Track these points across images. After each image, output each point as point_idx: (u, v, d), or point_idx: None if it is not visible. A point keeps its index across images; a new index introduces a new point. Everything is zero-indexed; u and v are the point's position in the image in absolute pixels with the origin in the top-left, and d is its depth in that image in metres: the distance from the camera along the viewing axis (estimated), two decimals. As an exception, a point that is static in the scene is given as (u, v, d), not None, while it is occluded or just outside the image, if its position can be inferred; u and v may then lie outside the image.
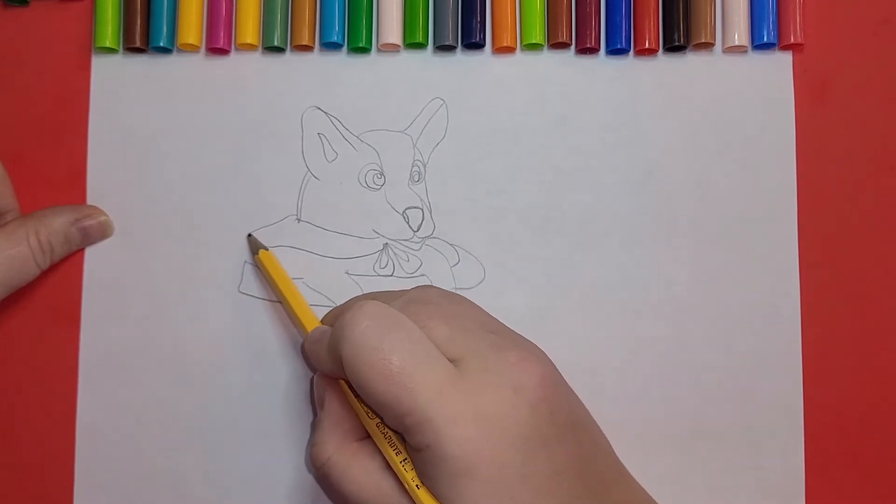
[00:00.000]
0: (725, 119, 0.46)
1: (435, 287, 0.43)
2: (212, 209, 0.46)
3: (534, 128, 0.46)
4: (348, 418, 0.39)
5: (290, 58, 0.46)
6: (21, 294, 0.45)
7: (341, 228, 0.45)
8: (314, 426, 0.39)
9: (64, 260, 0.45)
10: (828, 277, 0.45)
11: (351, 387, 0.38)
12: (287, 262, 0.45)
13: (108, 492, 0.45)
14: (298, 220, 0.46)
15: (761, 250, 0.45)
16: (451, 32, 0.46)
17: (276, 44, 0.46)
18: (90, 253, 0.46)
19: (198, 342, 0.45)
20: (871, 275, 0.45)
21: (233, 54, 0.47)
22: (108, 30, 0.46)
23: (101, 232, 0.46)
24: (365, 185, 0.46)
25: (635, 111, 0.46)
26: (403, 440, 0.36)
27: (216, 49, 0.46)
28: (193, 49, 0.46)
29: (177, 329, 0.45)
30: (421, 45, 0.46)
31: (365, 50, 0.46)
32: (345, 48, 0.46)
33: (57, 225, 0.44)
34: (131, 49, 0.46)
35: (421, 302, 0.39)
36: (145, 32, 0.46)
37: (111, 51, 0.46)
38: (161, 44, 0.46)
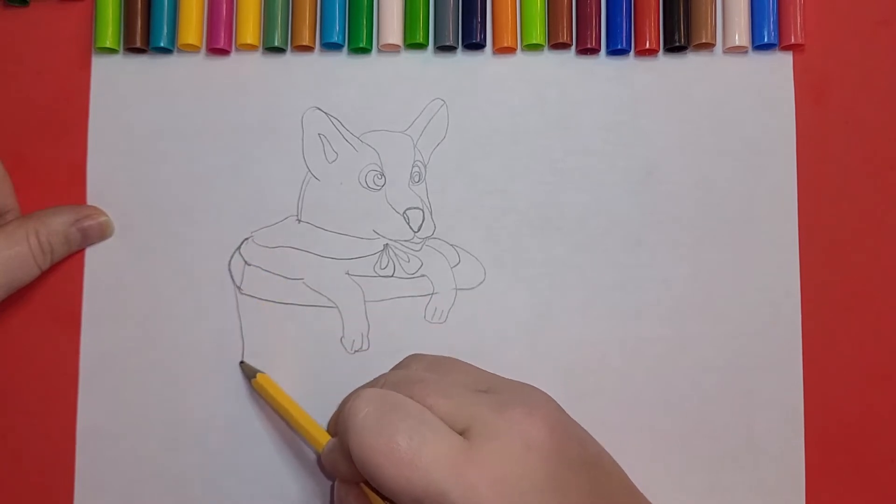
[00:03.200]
0: (726, 119, 0.46)
1: (420, 357, 0.43)
2: (212, 209, 0.46)
3: (534, 128, 0.46)
4: None
5: (290, 58, 0.46)
6: (21, 295, 0.45)
7: (342, 229, 0.45)
8: None
9: (64, 260, 0.45)
10: (828, 277, 0.45)
11: (371, 487, 0.38)
12: (287, 263, 0.45)
13: (108, 492, 0.45)
14: (299, 220, 0.46)
15: (761, 250, 0.45)
16: (452, 33, 0.46)
17: (276, 44, 0.46)
18: (90, 253, 0.46)
19: (198, 342, 0.45)
20: (871, 275, 0.45)
21: (233, 54, 0.47)
22: (109, 30, 0.46)
23: (101, 232, 0.45)
24: (365, 185, 0.46)
25: (635, 111, 0.46)
26: None
27: (216, 49, 0.46)
28: (194, 49, 0.46)
29: (177, 329, 0.45)
30: (421, 46, 0.46)
31: (365, 50, 0.46)
32: (345, 48, 0.46)
33: (57, 225, 0.44)
34: (131, 49, 0.46)
35: (414, 380, 0.39)
36: (146, 33, 0.46)
37: (111, 51, 0.46)
38: (161, 44, 0.46)
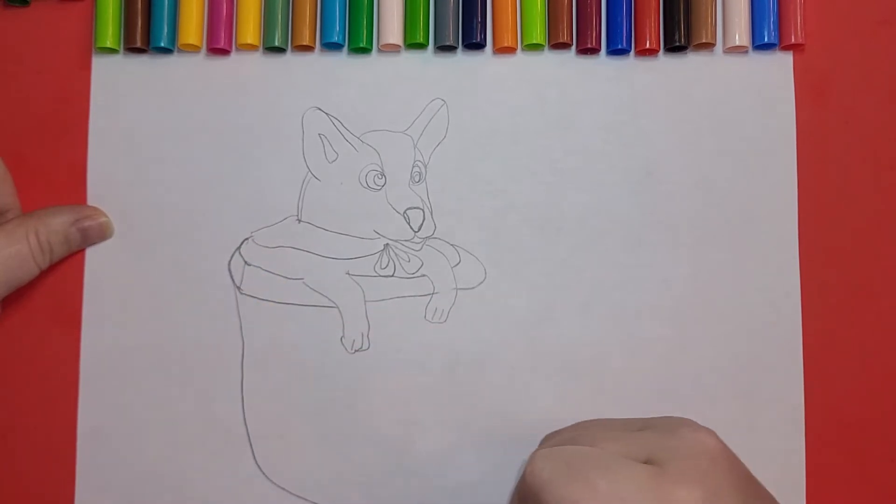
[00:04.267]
0: (726, 119, 0.46)
1: (556, 431, 0.43)
2: (212, 209, 0.46)
3: (534, 128, 0.46)
4: None
5: (290, 58, 0.46)
6: (22, 295, 0.45)
7: (342, 229, 0.45)
8: None
9: (64, 260, 0.45)
10: (828, 277, 0.45)
11: None
12: (287, 263, 0.45)
13: (109, 492, 0.45)
14: (299, 220, 0.46)
15: (762, 250, 0.45)
16: (452, 33, 0.46)
17: (276, 44, 0.46)
18: (91, 253, 0.46)
19: (198, 342, 0.45)
20: (871, 274, 0.45)
21: (233, 54, 0.47)
22: (109, 30, 0.46)
23: (101, 233, 0.45)
24: (366, 185, 0.46)
25: (636, 111, 0.46)
26: None
27: (217, 49, 0.46)
28: (194, 49, 0.46)
29: (177, 329, 0.45)
30: (421, 46, 0.46)
31: (365, 50, 0.46)
32: (345, 48, 0.46)
33: (56, 225, 0.44)
34: (132, 49, 0.46)
35: (575, 436, 0.39)
36: (146, 33, 0.46)
37: (112, 51, 0.46)
38: (162, 44, 0.46)
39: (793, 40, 0.45)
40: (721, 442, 0.37)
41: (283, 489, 0.45)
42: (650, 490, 0.34)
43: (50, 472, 0.45)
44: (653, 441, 0.37)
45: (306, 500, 0.45)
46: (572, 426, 0.42)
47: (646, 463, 0.36)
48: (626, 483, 0.35)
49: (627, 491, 0.34)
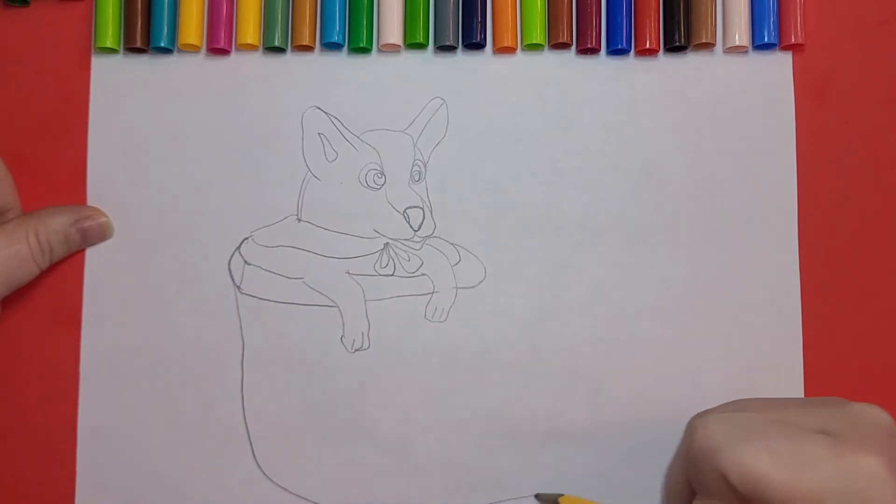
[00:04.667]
0: (726, 119, 0.46)
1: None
2: (212, 209, 0.46)
3: (534, 127, 0.46)
4: None
5: (290, 58, 0.46)
6: (22, 295, 0.45)
7: (342, 228, 0.45)
8: None
9: (64, 260, 0.45)
10: (828, 277, 0.45)
11: None
12: (287, 262, 0.45)
13: (109, 492, 0.45)
14: (299, 219, 0.46)
15: (762, 250, 0.45)
16: (452, 33, 0.46)
17: (276, 44, 0.46)
18: (91, 253, 0.46)
19: (198, 342, 0.45)
20: (871, 274, 0.45)
21: (233, 54, 0.47)
22: (109, 30, 0.46)
23: (101, 233, 0.45)
24: (365, 184, 0.46)
25: (636, 111, 0.46)
26: None
27: (217, 49, 0.46)
28: (194, 49, 0.46)
29: (177, 329, 0.45)
30: (421, 46, 0.46)
31: (365, 50, 0.46)
32: (345, 48, 0.46)
33: (56, 225, 0.44)
34: (132, 49, 0.46)
35: (739, 405, 0.39)
36: (146, 33, 0.46)
37: (112, 51, 0.46)
38: (161, 44, 0.46)
39: (793, 40, 0.45)
40: (892, 419, 0.36)
41: (283, 488, 0.45)
42: (833, 458, 0.34)
43: (50, 472, 0.45)
44: (825, 414, 0.37)
45: (306, 499, 0.45)
46: (727, 403, 0.41)
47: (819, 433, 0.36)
48: (808, 448, 0.34)
49: (809, 456, 0.34)
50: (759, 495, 0.35)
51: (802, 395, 0.45)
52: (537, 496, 0.44)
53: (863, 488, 0.33)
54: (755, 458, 0.34)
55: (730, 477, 0.35)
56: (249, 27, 0.46)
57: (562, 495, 0.44)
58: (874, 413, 0.36)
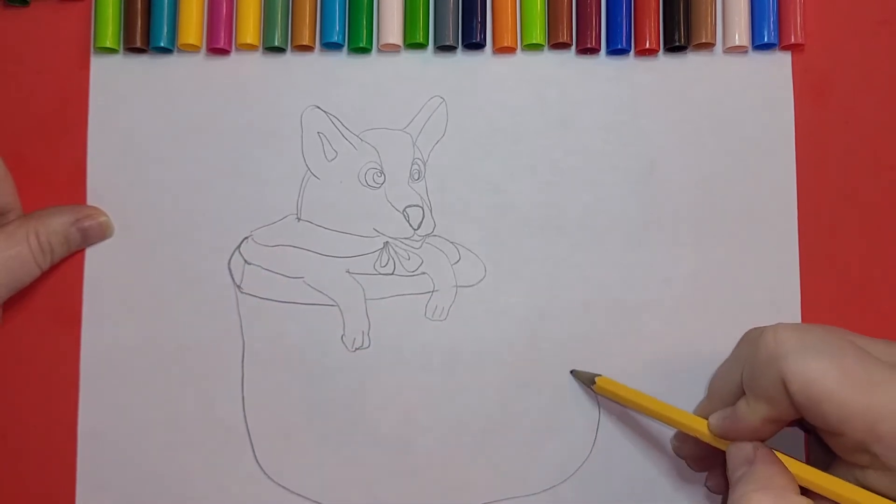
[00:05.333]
0: (725, 119, 0.46)
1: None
2: (212, 209, 0.46)
3: (534, 127, 0.46)
4: (783, 473, 0.36)
5: (290, 58, 0.46)
6: (22, 295, 0.45)
7: (341, 227, 0.45)
8: (737, 485, 0.37)
9: (64, 260, 0.45)
10: (828, 276, 0.45)
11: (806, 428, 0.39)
12: (287, 262, 0.45)
13: (109, 491, 0.45)
14: (298, 219, 0.45)
15: (761, 249, 0.45)
16: (452, 33, 0.46)
17: (276, 44, 0.46)
18: (91, 253, 0.46)
19: (198, 342, 0.45)
20: (870, 273, 0.45)
21: (233, 54, 0.47)
22: (109, 30, 0.46)
23: (101, 233, 0.45)
24: (365, 183, 0.45)
25: (636, 111, 0.46)
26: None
27: (216, 49, 0.46)
28: (194, 49, 0.46)
29: (177, 329, 0.45)
30: (421, 46, 0.46)
31: (365, 50, 0.46)
32: (345, 48, 0.46)
33: (56, 225, 0.44)
34: (132, 49, 0.46)
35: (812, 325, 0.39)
36: (146, 32, 0.46)
37: (111, 51, 0.46)
38: (161, 44, 0.46)
39: (792, 40, 0.46)
40: None
41: (284, 488, 0.45)
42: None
43: (51, 472, 0.45)
44: (890, 346, 0.36)
45: (306, 498, 0.45)
46: (809, 324, 0.41)
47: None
48: (877, 374, 0.34)
49: (876, 381, 0.34)
50: (815, 408, 0.34)
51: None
52: (573, 372, 0.45)
53: None
54: (822, 372, 0.34)
55: (790, 385, 0.35)
56: (249, 27, 0.46)
57: (599, 375, 0.44)
58: None
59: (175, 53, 0.47)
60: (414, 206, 0.45)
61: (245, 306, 0.45)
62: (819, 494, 0.36)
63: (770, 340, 0.36)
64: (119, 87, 0.46)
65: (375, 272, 0.45)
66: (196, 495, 0.45)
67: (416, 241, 0.45)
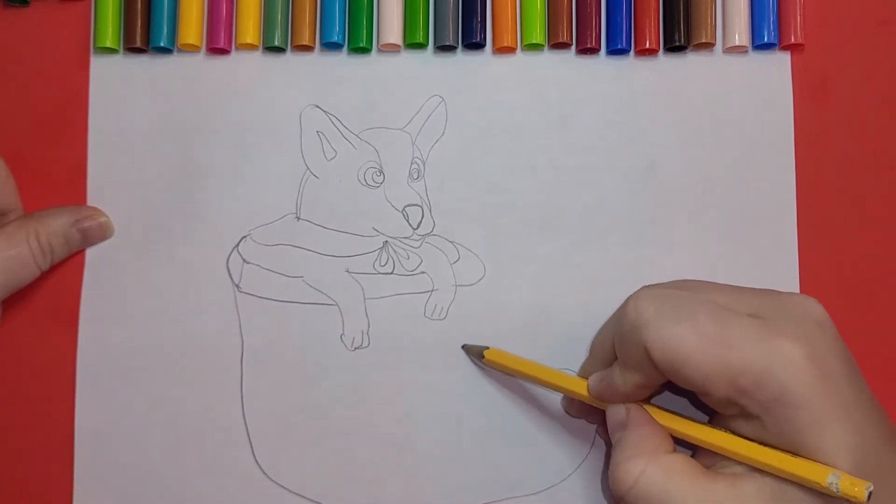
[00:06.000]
0: (725, 119, 0.46)
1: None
2: (211, 208, 0.46)
3: (534, 126, 0.46)
4: (655, 434, 0.38)
5: (290, 58, 0.46)
6: (20, 294, 0.45)
7: (341, 226, 0.45)
8: (614, 451, 0.38)
9: (64, 260, 0.45)
10: (827, 275, 0.45)
11: (656, 406, 0.40)
12: (286, 261, 0.45)
13: (108, 491, 0.45)
14: (298, 218, 0.45)
15: (761, 248, 0.45)
16: (452, 33, 0.46)
17: (276, 44, 0.46)
18: (90, 253, 0.46)
19: (198, 342, 0.45)
20: (869, 272, 0.45)
21: (233, 54, 0.47)
22: (109, 30, 0.46)
23: (101, 233, 0.45)
24: (364, 182, 0.45)
25: (635, 111, 0.46)
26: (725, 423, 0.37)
27: (216, 49, 0.46)
28: (194, 49, 0.46)
29: (177, 329, 0.45)
30: (421, 46, 0.46)
31: (365, 50, 0.46)
32: (345, 48, 0.46)
33: (56, 226, 0.44)
34: (131, 49, 0.46)
35: (682, 283, 0.40)
36: (145, 32, 0.46)
37: (111, 51, 0.46)
38: (161, 44, 0.46)
39: (792, 40, 0.45)
40: (827, 315, 0.37)
41: (283, 487, 0.45)
42: (756, 339, 0.34)
43: (48, 472, 0.45)
44: (759, 299, 0.37)
45: (306, 498, 0.45)
46: (673, 281, 0.42)
47: (751, 316, 0.36)
48: (734, 328, 0.35)
49: (734, 337, 0.35)
50: (678, 373, 0.35)
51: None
52: (464, 347, 0.45)
53: (778, 372, 0.34)
54: (680, 338, 0.35)
55: (652, 353, 0.36)
56: (249, 27, 0.46)
57: (487, 348, 0.44)
58: (807, 303, 0.37)
59: (175, 53, 0.47)
60: (413, 205, 0.45)
61: (244, 306, 0.45)
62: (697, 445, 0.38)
63: (631, 310, 0.37)
64: (119, 87, 0.46)
65: (375, 271, 0.45)
66: (194, 495, 0.45)
67: (416, 240, 0.45)
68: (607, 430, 0.40)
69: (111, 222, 0.46)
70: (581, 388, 0.41)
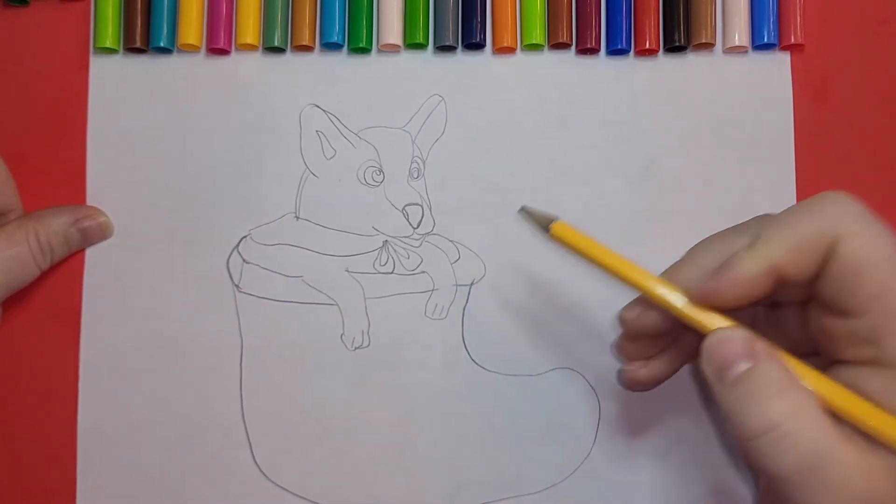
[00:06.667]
0: (725, 119, 0.46)
1: None
2: (211, 208, 0.46)
3: (533, 125, 0.46)
4: (792, 377, 0.32)
5: (290, 58, 0.46)
6: (21, 294, 0.45)
7: (340, 226, 0.45)
8: (735, 388, 0.32)
9: (64, 260, 0.45)
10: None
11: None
12: (286, 261, 0.45)
13: (109, 492, 0.45)
14: (297, 217, 0.45)
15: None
16: (452, 33, 0.46)
17: (276, 44, 0.46)
18: (90, 253, 0.46)
19: (198, 342, 0.45)
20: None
21: (233, 54, 0.47)
22: (108, 30, 0.46)
23: (101, 233, 0.45)
24: (364, 182, 0.45)
25: (635, 111, 0.46)
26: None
27: (216, 49, 0.46)
28: (193, 49, 0.46)
29: (176, 328, 0.45)
30: (421, 46, 0.46)
31: (365, 50, 0.46)
32: (345, 48, 0.46)
33: (56, 225, 0.44)
34: (131, 49, 0.46)
35: None
36: (145, 32, 0.46)
37: (111, 51, 0.46)
38: (161, 44, 0.46)
39: (792, 40, 0.46)
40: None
41: (283, 488, 0.45)
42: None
43: (51, 471, 0.45)
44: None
45: (305, 499, 0.45)
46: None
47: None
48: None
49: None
50: (853, 276, 0.32)
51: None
52: (523, 209, 0.38)
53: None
54: (881, 242, 0.32)
55: (844, 242, 0.32)
56: (249, 27, 0.46)
57: (557, 220, 0.37)
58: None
59: (175, 53, 0.47)
60: (413, 204, 0.45)
61: (244, 305, 0.45)
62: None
63: (836, 198, 0.34)
64: (119, 87, 0.46)
65: (375, 271, 0.45)
66: (194, 494, 0.45)
67: (416, 239, 0.45)
68: (698, 368, 0.35)
69: (111, 222, 0.46)
70: (671, 289, 0.35)
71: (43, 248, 0.43)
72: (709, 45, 0.46)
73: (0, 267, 0.42)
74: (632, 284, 0.36)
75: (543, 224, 0.38)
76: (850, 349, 0.33)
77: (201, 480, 0.45)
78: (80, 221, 0.45)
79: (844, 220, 0.33)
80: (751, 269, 0.33)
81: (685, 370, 0.45)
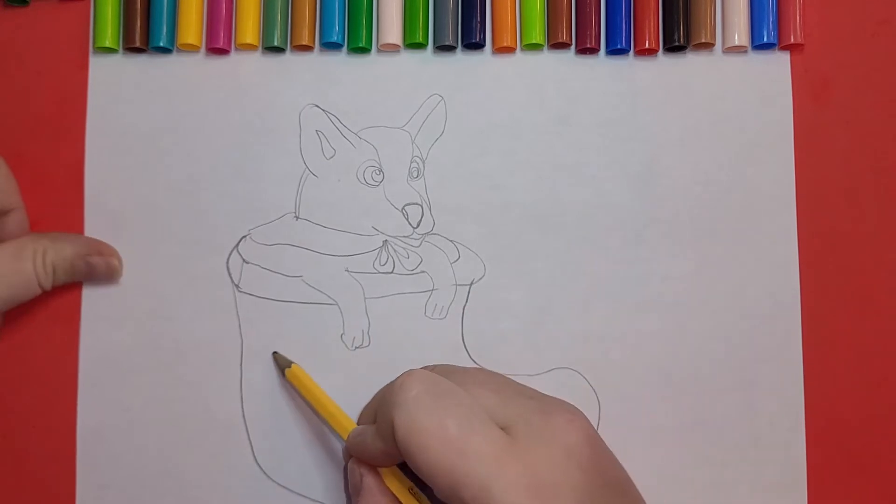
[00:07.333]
0: (725, 119, 0.46)
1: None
2: (211, 208, 0.46)
3: (533, 124, 0.46)
4: None
5: (289, 58, 0.46)
6: (21, 295, 0.45)
7: (340, 225, 0.45)
8: None
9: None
10: (826, 274, 0.45)
11: (401, 472, 0.40)
12: (286, 260, 0.45)
13: (109, 492, 0.45)
14: (297, 217, 0.45)
15: (761, 246, 0.45)
16: (451, 33, 0.46)
17: (276, 44, 0.46)
18: (90, 253, 0.46)
19: (197, 341, 0.45)
20: (870, 272, 0.45)
21: (233, 54, 0.47)
22: (108, 30, 0.46)
23: (107, 273, 0.45)
24: (363, 181, 0.45)
25: (635, 111, 0.46)
26: None
27: (216, 49, 0.46)
28: (193, 49, 0.46)
29: (176, 328, 0.45)
30: (421, 46, 0.46)
31: (365, 50, 0.46)
32: (345, 48, 0.46)
33: (66, 251, 0.43)
34: (131, 49, 0.46)
35: (463, 371, 0.41)
36: (145, 32, 0.46)
37: (111, 51, 0.46)
38: (161, 44, 0.46)
39: (792, 40, 0.46)
40: (592, 447, 0.37)
41: (283, 486, 0.45)
42: (491, 458, 0.35)
43: (51, 472, 0.45)
44: (526, 413, 0.37)
45: (306, 497, 0.45)
46: (464, 368, 0.43)
47: (506, 429, 0.36)
48: (476, 438, 0.35)
49: (472, 448, 0.35)
50: (411, 459, 0.36)
51: (801, 392, 0.45)
52: (274, 354, 0.45)
53: (497, 495, 0.34)
54: (423, 429, 0.36)
55: (396, 431, 0.36)
56: (249, 27, 0.46)
57: (294, 363, 0.44)
58: (569, 427, 0.37)
59: (174, 53, 0.47)
60: (413, 204, 0.45)
61: (243, 305, 0.45)
62: None
63: (398, 385, 0.38)
64: (118, 86, 0.46)
65: (375, 271, 0.45)
66: (195, 494, 0.45)
67: (416, 239, 0.45)
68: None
69: (120, 268, 0.45)
70: (344, 433, 0.42)
71: (46, 269, 0.43)
72: (708, 45, 0.46)
73: (4, 281, 0.42)
74: (336, 430, 0.43)
75: (282, 367, 0.44)
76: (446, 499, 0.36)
77: (202, 480, 0.45)
78: (91, 255, 0.44)
79: (399, 410, 0.37)
80: (373, 451, 0.39)
81: (686, 370, 0.45)
